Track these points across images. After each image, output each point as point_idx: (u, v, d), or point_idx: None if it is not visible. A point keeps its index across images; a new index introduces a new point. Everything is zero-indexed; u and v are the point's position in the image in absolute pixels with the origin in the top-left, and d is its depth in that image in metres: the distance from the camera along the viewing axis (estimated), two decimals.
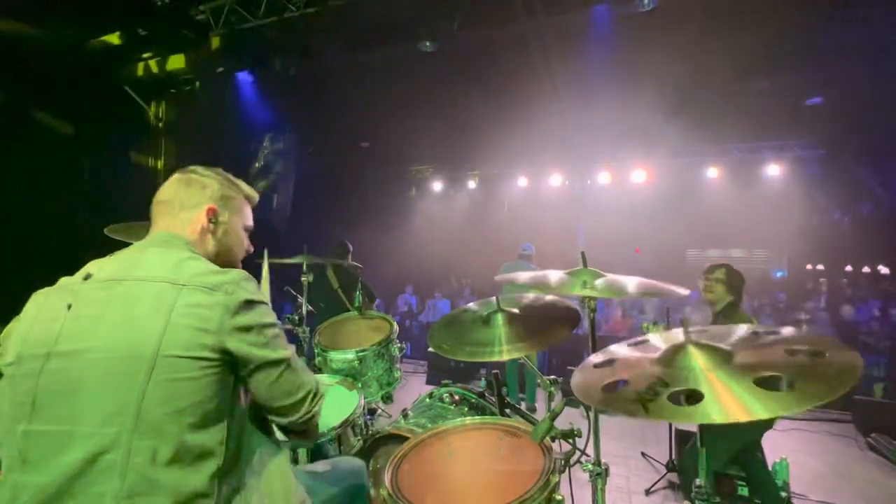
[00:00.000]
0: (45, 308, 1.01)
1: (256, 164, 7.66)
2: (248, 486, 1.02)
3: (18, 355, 0.96)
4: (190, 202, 1.16)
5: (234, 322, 0.99)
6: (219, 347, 0.96)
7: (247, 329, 1.00)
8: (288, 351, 1.08)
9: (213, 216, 1.18)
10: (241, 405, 1.04)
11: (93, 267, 1.06)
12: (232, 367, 1.00)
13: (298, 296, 3.02)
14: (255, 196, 1.32)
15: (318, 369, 2.51)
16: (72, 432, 0.90)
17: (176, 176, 1.21)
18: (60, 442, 0.90)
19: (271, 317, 1.07)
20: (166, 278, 0.99)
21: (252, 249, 1.32)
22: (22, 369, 0.95)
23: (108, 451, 0.88)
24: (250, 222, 1.30)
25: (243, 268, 1.21)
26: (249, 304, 1.02)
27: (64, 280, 1.06)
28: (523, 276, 1.84)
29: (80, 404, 0.91)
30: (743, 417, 0.91)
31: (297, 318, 2.96)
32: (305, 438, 1.20)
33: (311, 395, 1.12)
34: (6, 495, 0.90)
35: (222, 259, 1.20)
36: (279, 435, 1.18)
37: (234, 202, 1.24)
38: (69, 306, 0.98)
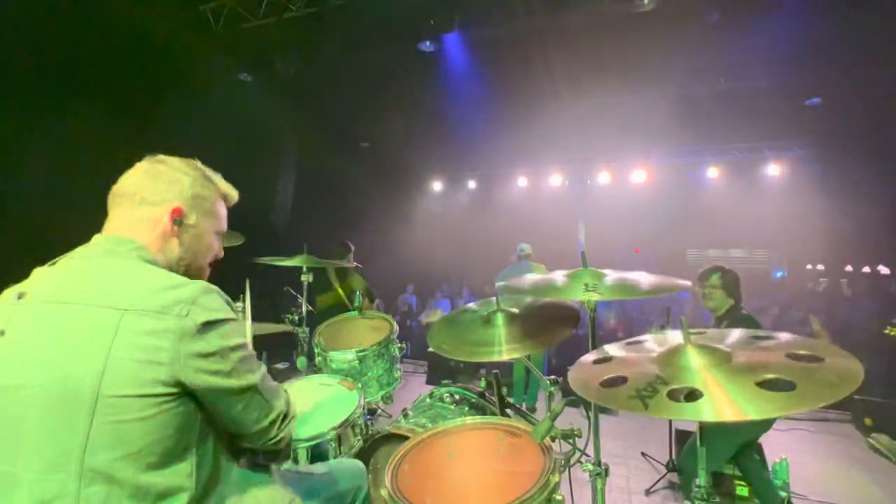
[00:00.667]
0: None
1: (256, 165, 7.66)
2: None
3: None
4: (154, 197, 1.01)
5: (191, 349, 0.86)
6: (173, 381, 0.84)
7: (206, 356, 0.87)
8: (255, 375, 0.96)
9: (177, 217, 1.03)
10: (210, 431, 0.94)
11: (32, 281, 0.94)
12: (192, 399, 0.89)
13: (298, 296, 3.02)
14: (234, 194, 1.18)
15: (318, 369, 2.51)
16: (15, 474, 0.81)
17: (142, 164, 1.05)
18: (6, 483, 0.81)
19: (236, 337, 0.94)
20: (105, 301, 0.85)
21: (222, 255, 1.17)
22: None
23: (54, 501, 0.79)
24: (224, 226, 1.15)
25: (228, 270, 1.11)
26: (208, 325, 0.88)
27: (4, 294, 0.93)
28: (523, 284, 1.79)
29: (23, 445, 0.81)
30: (743, 417, 0.91)
31: (297, 318, 2.95)
32: (276, 459, 1.12)
33: (279, 419, 1.02)
34: None
35: (186, 266, 1.06)
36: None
37: (206, 203, 1.09)
38: (2, 332, 0.87)
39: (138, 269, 0.93)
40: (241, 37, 5.66)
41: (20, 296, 0.90)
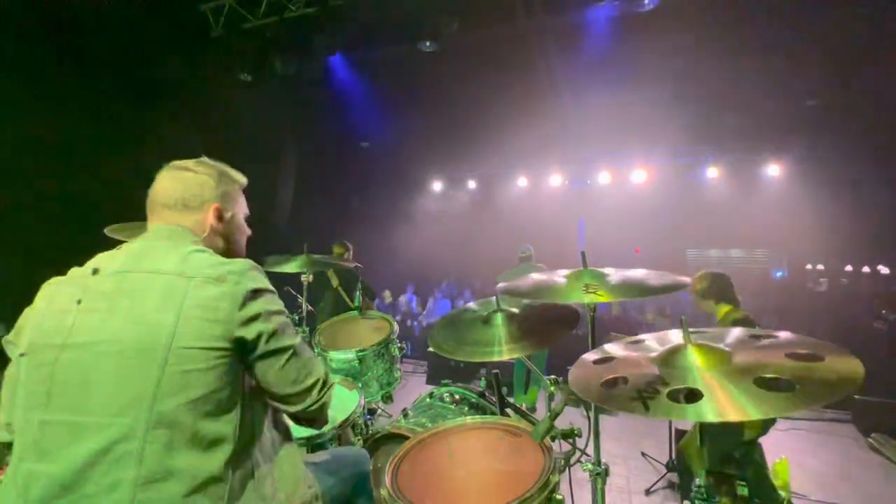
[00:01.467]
0: (56, 299, 1.02)
1: (256, 165, 7.65)
2: (261, 470, 1.04)
3: (31, 345, 0.98)
4: (193, 203, 1.16)
5: (243, 312, 1.00)
6: (228, 337, 0.98)
7: (254, 318, 1.01)
8: (295, 339, 1.09)
9: (219, 214, 1.19)
10: (249, 392, 1.05)
11: (101, 260, 1.07)
12: (241, 356, 1.01)
13: (298, 296, 3.02)
14: (245, 181, 1.31)
15: None
16: (86, 423, 0.91)
17: (168, 175, 1.18)
18: (75, 432, 0.90)
19: (278, 304, 1.09)
20: (174, 271, 1.00)
21: (250, 232, 1.33)
22: (35, 359, 0.96)
23: (123, 441, 0.89)
24: (247, 208, 1.31)
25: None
26: (256, 292, 1.03)
27: (74, 271, 1.07)
28: (523, 287, 1.77)
29: (95, 395, 0.92)
30: (743, 417, 0.91)
31: (297, 318, 2.96)
32: (314, 426, 1.20)
33: (319, 384, 1.12)
34: (18, 483, 0.90)
35: (229, 250, 1.23)
36: (288, 422, 1.18)
37: (232, 194, 1.25)
38: (79, 301, 0.98)
39: (195, 249, 1.08)
40: (241, 37, 5.66)
41: (95, 271, 1.03)
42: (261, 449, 1.05)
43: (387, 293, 9.72)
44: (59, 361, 0.94)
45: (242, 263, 1.07)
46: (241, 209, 1.27)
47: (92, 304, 0.98)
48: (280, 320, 1.07)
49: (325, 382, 1.15)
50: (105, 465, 0.88)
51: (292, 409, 1.10)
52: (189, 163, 1.20)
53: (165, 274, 1.00)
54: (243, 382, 1.03)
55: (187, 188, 1.16)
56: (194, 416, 0.93)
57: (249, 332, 1.00)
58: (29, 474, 0.90)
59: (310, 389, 1.10)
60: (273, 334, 1.04)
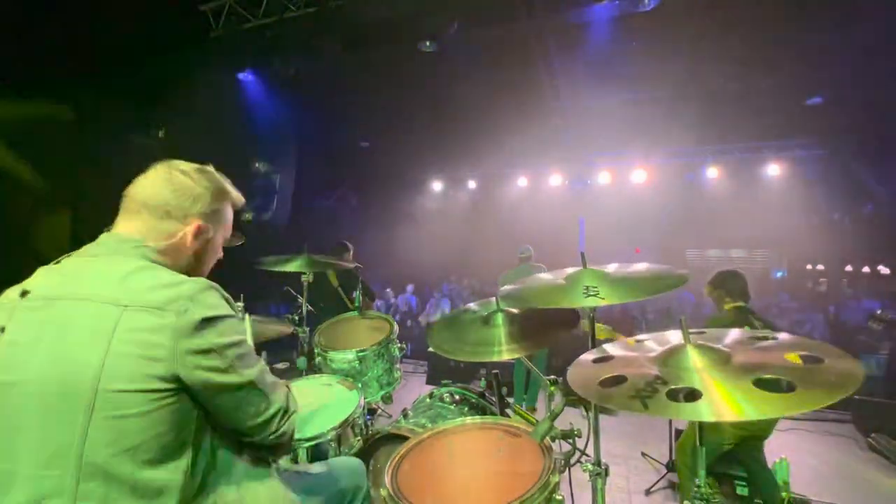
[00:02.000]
0: None
1: (257, 165, 7.67)
2: None
3: None
4: (178, 213, 1.03)
5: (189, 345, 0.87)
6: (172, 376, 0.85)
7: (204, 352, 0.88)
8: (253, 370, 0.97)
9: (199, 233, 1.06)
10: (207, 427, 0.94)
11: (36, 278, 0.95)
12: (192, 394, 0.90)
13: (298, 296, 3.02)
14: (242, 201, 1.21)
15: (318, 369, 2.51)
16: (13, 471, 0.81)
17: (161, 171, 1.06)
18: (4, 481, 0.82)
19: (234, 334, 0.95)
20: (107, 297, 0.87)
21: (221, 255, 1.20)
22: None
23: (52, 497, 0.79)
24: (229, 232, 1.19)
25: (228, 271, 1.13)
26: (207, 322, 0.89)
27: (7, 293, 0.94)
28: (524, 293, 1.74)
29: (21, 442, 0.82)
30: (742, 417, 0.91)
31: (297, 318, 2.95)
32: (276, 455, 1.11)
33: (279, 414, 1.02)
34: None
35: (195, 269, 1.09)
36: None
37: (221, 213, 1.12)
38: (2, 329, 0.88)
39: (141, 267, 0.94)
40: (241, 37, 5.66)
41: (23, 294, 0.91)
42: (227, 483, 0.96)
43: (388, 292, 9.72)
44: None
45: (193, 284, 0.92)
46: (223, 231, 1.15)
47: (15, 335, 0.87)
48: (234, 353, 0.93)
49: (285, 411, 1.04)
50: None
51: (253, 440, 1.02)
52: (190, 168, 1.09)
53: (96, 302, 0.87)
54: (197, 420, 0.91)
55: (178, 195, 1.04)
56: (133, 466, 0.82)
57: (197, 371, 0.87)
58: None
59: (269, 421, 1.01)
60: (227, 370, 0.91)
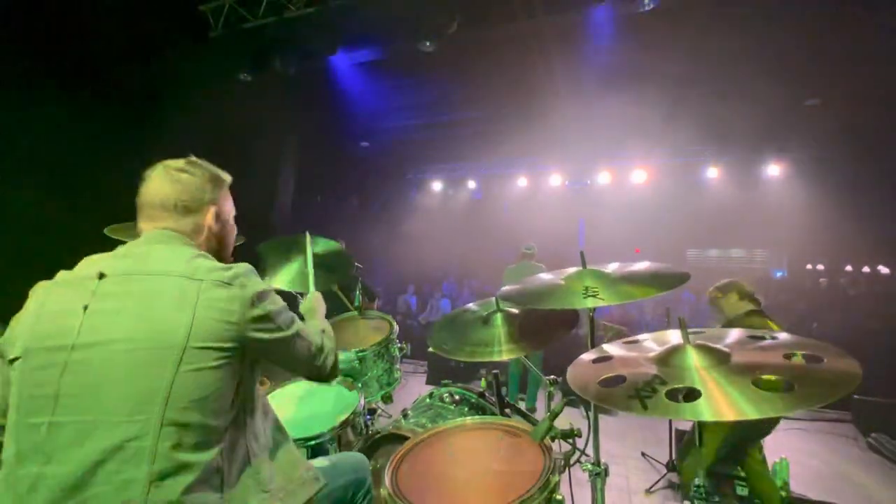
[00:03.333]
0: (49, 303, 1.02)
1: (257, 165, 7.67)
2: (256, 458, 1.08)
3: (25, 349, 0.97)
4: (193, 206, 1.17)
5: (252, 313, 1.06)
6: (238, 337, 1.03)
7: (262, 318, 1.08)
8: (296, 324, 1.18)
9: (216, 216, 1.22)
10: (244, 389, 1.08)
11: (102, 263, 1.06)
12: (242, 355, 1.06)
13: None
14: (230, 179, 1.32)
15: None
16: (96, 421, 0.92)
17: (163, 176, 1.17)
18: (83, 432, 0.91)
19: (279, 301, 1.15)
20: (183, 273, 1.03)
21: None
22: (32, 363, 0.96)
23: (136, 439, 0.91)
24: (234, 208, 1.33)
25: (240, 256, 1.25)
26: (261, 294, 1.09)
27: (64, 274, 1.07)
28: (523, 294, 1.73)
29: (106, 394, 0.93)
30: (741, 416, 0.91)
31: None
32: (329, 380, 1.33)
33: (324, 351, 1.26)
34: (24, 486, 0.89)
35: (221, 251, 1.26)
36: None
37: (223, 192, 1.27)
38: (86, 306, 0.99)
39: (196, 255, 1.10)
40: (241, 37, 5.66)
41: (101, 275, 1.03)
42: (254, 440, 1.10)
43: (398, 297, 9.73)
44: (69, 363, 0.94)
45: (243, 267, 1.11)
46: (231, 209, 1.30)
47: (100, 306, 0.99)
48: (283, 317, 1.13)
49: (327, 349, 1.28)
50: (115, 464, 0.89)
51: (311, 376, 1.26)
52: (181, 163, 1.20)
53: (175, 276, 1.03)
54: (240, 380, 1.06)
55: (186, 190, 1.17)
56: (203, 413, 0.96)
57: (260, 333, 1.07)
58: (34, 477, 0.89)
59: (317, 356, 1.23)
60: (279, 329, 1.11)
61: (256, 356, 1.11)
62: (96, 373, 0.94)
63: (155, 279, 1.03)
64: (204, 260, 1.10)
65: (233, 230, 1.31)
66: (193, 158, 1.24)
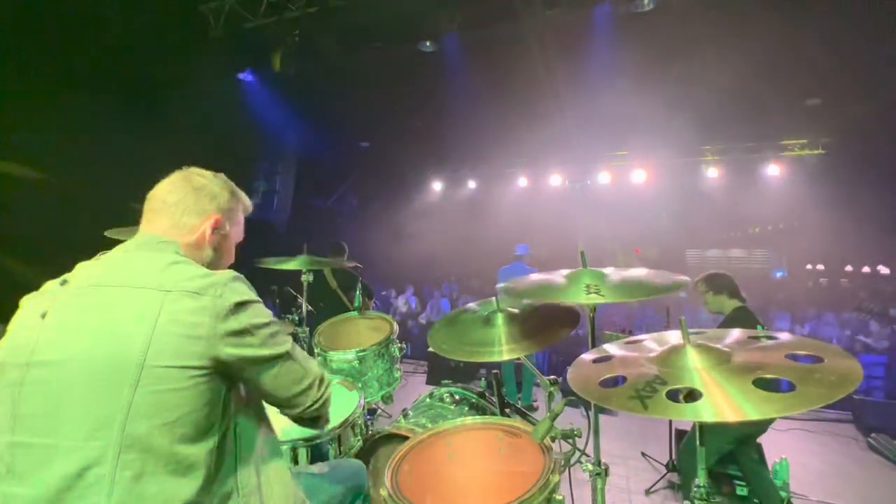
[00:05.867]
0: (24, 315, 0.98)
1: (257, 165, 7.68)
2: (245, 491, 0.99)
3: (2, 364, 0.93)
4: (197, 208, 1.14)
5: (226, 327, 0.95)
6: (209, 355, 0.93)
7: (240, 332, 0.97)
8: (286, 345, 1.06)
9: (216, 227, 1.17)
10: (232, 411, 1.00)
11: (76, 271, 1.03)
12: (224, 374, 0.97)
13: (298, 296, 3.02)
14: (251, 207, 1.31)
15: None
16: (56, 445, 0.87)
17: (180, 178, 1.17)
18: (45, 455, 0.87)
19: (264, 315, 1.04)
20: (150, 284, 0.95)
21: (233, 260, 1.30)
22: (4, 378, 0.92)
23: (94, 466, 0.85)
24: (242, 236, 1.29)
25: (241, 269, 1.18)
26: (240, 305, 0.99)
27: (47, 284, 1.02)
28: (524, 288, 1.75)
29: (63, 416, 0.87)
30: (742, 417, 0.91)
31: (297, 318, 2.95)
32: (317, 425, 1.19)
33: (317, 382, 1.12)
34: None
35: (216, 263, 1.20)
36: (283, 431, 1.14)
37: (235, 212, 1.23)
38: (44, 315, 0.94)
39: (176, 261, 1.03)
40: (241, 37, 5.66)
41: (63, 282, 0.99)
42: (244, 470, 1.01)
43: (392, 294, 9.72)
44: (25, 381, 0.90)
45: (224, 274, 1.02)
46: (237, 232, 1.26)
47: (57, 319, 0.94)
48: (267, 331, 1.02)
49: (321, 379, 1.14)
50: (79, 490, 0.85)
51: (294, 411, 1.10)
52: (206, 173, 1.21)
53: (140, 288, 0.95)
54: (224, 402, 0.98)
55: (197, 193, 1.15)
56: (170, 439, 0.88)
57: (235, 349, 0.96)
58: (5, 496, 0.86)
59: (308, 389, 1.09)
60: (262, 346, 1.00)
61: (239, 376, 1.00)
62: (53, 393, 0.88)
63: (117, 291, 0.95)
64: (184, 266, 1.01)
65: (230, 252, 1.25)
66: (221, 175, 1.24)
